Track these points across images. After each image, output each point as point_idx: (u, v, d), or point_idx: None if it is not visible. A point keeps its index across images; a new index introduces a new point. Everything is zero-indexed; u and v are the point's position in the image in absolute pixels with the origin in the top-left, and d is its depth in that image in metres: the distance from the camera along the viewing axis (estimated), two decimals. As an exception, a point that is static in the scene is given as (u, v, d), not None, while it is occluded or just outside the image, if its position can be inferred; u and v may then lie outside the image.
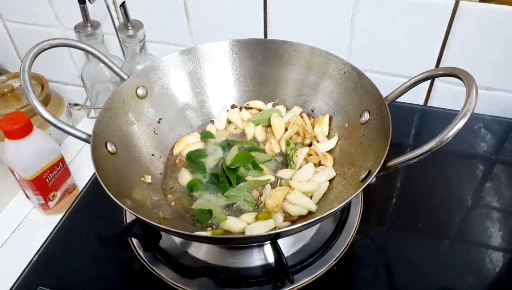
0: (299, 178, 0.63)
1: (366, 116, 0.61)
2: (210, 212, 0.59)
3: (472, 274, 0.57)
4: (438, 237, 0.62)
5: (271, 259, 0.58)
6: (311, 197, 0.61)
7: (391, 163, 0.50)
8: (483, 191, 0.68)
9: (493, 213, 0.65)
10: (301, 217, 0.59)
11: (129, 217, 0.66)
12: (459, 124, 0.45)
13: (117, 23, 0.85)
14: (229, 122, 0.75)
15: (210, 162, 0.68)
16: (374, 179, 0.51)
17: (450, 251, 0.61)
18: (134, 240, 0.63)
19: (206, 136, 0.72)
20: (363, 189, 0.65)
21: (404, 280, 0.58)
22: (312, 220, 0.46)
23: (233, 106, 0.75)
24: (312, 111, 0.71)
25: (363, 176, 0.54)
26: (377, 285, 0.57)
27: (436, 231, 0.63)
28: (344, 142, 0.65)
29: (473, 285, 0.56)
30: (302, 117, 0.71)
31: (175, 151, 0.70)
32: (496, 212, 0.65)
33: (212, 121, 0.75)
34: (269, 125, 0.72)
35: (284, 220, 0.58)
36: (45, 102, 0.88)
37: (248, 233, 0.56)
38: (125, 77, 0.65)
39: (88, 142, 0.56)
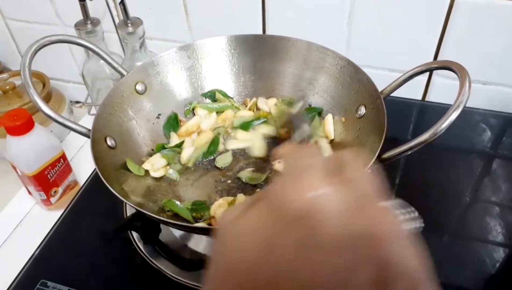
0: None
1: (362, 110, 0.62)
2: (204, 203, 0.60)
3: (468, 268, 0.58)
4: (434, 231, 0.62)
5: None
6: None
7: (385, 155, 0.50)
8: (481, 185, 0.69)
9: (491, 207, 0.65)
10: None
11: (129, 211, 0.67)
12: (452, 116, 0.46)
13: (116, 20, 0.85)
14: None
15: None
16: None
17: (447, 245, 0.61)
18: (135, 234, 0.63)
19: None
20: (360, 183, 0.67)
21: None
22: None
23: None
24: (310, 106, 0.72)
25: (358, 168, 0.54)
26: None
27: (432, 224, 0.63)
28: (341, 136, 0.66)
29: (469, 278, 0.57)
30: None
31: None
32: (493, 206, 0.65)
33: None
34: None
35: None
36: (47, 100, 0.89)
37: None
38: (124, 73, 0.66)
39: (88, 136, 0.57)
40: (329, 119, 0.68)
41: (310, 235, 0.22)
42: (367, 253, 0.22)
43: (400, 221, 0.24)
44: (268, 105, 0.73)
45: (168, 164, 0.66)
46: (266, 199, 0.25)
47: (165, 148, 0.68)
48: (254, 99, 0.74)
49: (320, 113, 0.70)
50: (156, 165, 0.65)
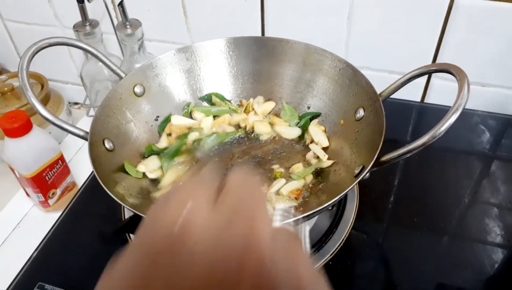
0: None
1: (361, 113, 0.62)
2: None
3: (467, 269, 0.58)
4: (433, 232, 0.62)
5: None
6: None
7: (384, 158, 0.50)
8: (480, 187, 0.69)
9: (490, 209, 0.65)
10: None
11: (127, 213, 0.66)
12: (451, 119, 0.46)
13: (115, 22, 0.85)
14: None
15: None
16: (368, 174, 0.51)
17: (446, 246, 0.61)
18: (133, 237, 0.63)
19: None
20: (359, 185, 0.67)
21: (400, 275, 0.58)
22: (305, 214, 0.47)
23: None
24: (308, 108, 0.72)
25: (357, 171, 0.54)
26: (373, 280, 0.58)
27: (431, 226, 0.63)
28: (339, 139, 0.66)
29: (468, 279, 0.57)
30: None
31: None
32: (492, 207, 0.65)
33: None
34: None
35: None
36: (45, 101, 0.89)
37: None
38: (123, 75, 0.66)
39: (86, 139, 0.57)
40: (313, 128, 0.68)
41: (179, 274, 0.21)
42: (242, 266, 0.21)
43: (274, 224, 0.25)
44: (263, 106, 0.73)
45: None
46: (136, 238, 0.24)
47: (152, 150, 0.68)
48: (250, 100, 0.74)
49: (314, 118, 0.70)
50: (150, 167, 0.64)
